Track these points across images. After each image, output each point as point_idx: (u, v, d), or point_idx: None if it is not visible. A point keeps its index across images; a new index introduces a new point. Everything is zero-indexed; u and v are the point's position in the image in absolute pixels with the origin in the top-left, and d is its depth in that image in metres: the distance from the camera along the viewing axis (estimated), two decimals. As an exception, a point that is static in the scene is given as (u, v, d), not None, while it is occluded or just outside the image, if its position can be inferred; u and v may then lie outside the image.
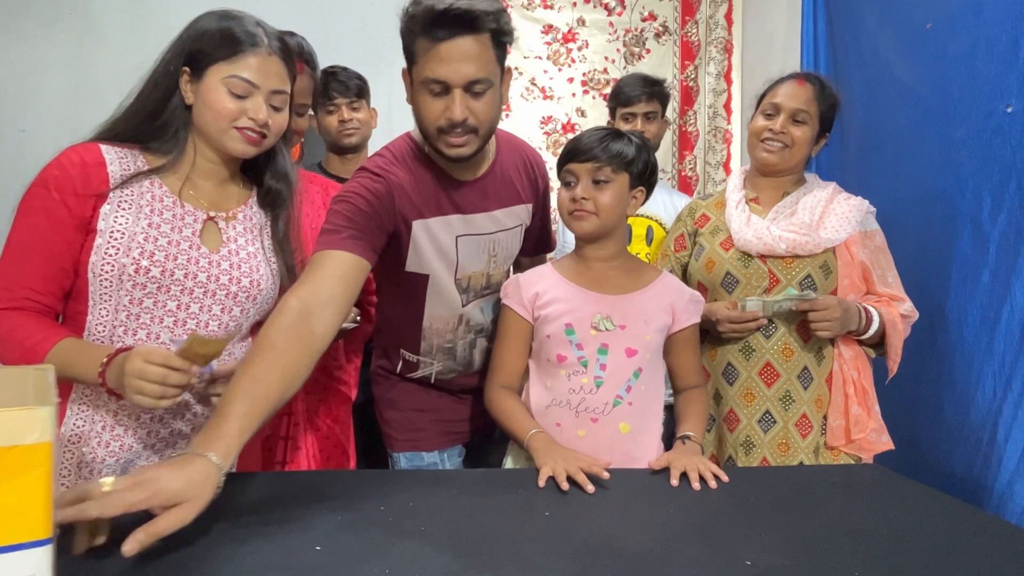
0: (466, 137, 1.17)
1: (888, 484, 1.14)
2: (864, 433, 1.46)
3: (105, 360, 0.97)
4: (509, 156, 1.38)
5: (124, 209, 1.04)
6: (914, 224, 1.70)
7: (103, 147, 1.06)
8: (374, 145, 2.11)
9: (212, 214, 1.12)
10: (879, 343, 1.50)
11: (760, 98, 1.59)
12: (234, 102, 1.07)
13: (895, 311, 1.47)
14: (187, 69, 1.08)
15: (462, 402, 1.48)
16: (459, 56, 1.10)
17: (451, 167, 1.27)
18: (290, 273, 1.20)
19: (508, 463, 1.38)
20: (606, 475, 1.08)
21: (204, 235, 1.11)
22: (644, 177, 1.32)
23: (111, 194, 1.03)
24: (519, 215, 1.39)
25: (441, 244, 1.28)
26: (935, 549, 0.86)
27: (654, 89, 1.98)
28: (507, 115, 3.17)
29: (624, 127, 1.95)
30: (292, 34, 1.44)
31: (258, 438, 1.37)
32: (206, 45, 1.07)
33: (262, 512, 0.93)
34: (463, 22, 1.09)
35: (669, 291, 1.35)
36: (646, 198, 1.35)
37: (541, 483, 1.07)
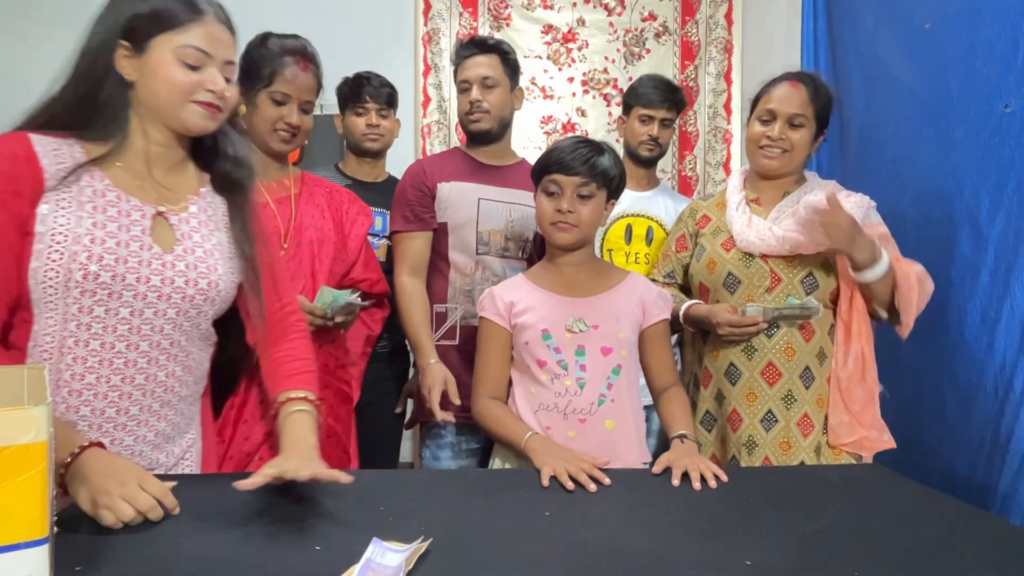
0: (482, 115, 1.71)
1: (888, 484, 1.14)
2: (865, 432, 1.45)
3: (74, 453, 0.88)
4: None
5: (64, 208, 0.94)
6: (913, 224, 1.70)
7: (33, 138, 0.96)
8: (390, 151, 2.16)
9: (162, 209, 1.03)
10: (891, 309, 1.43)
11: (754, 102, 1.57)
12: (188, 74, 0.98)
13: (910, 268, 1.41)
14: (125, 43, 0.97)
15: None
16: (475, 64, 1.71)
17: (482, 154, 1.77)
18: (250, 265, 1.10)
19: (496, 465, 1.39)
20: (607, 481, 1.08)
21: (155, 233, 1.01)
22: (618, 190, 1.40)
23: (48, 193, 0.94)
24: (532, 200, 1.67)
25: (462, 201, 1.70)
26: (936, 549, 0.86)
27: (676, 96, 1.97)
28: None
29: (638, 128, 1.96)
30: (296, 37, 1.46)
31: (260, 439, 1.36)
32: (147, 16, 0.97)
33: (262, 512, 0.93)
34: (478, 44, 1.73)
35: (638, 288, 1.39)
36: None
37: (545, 483, 1.08)
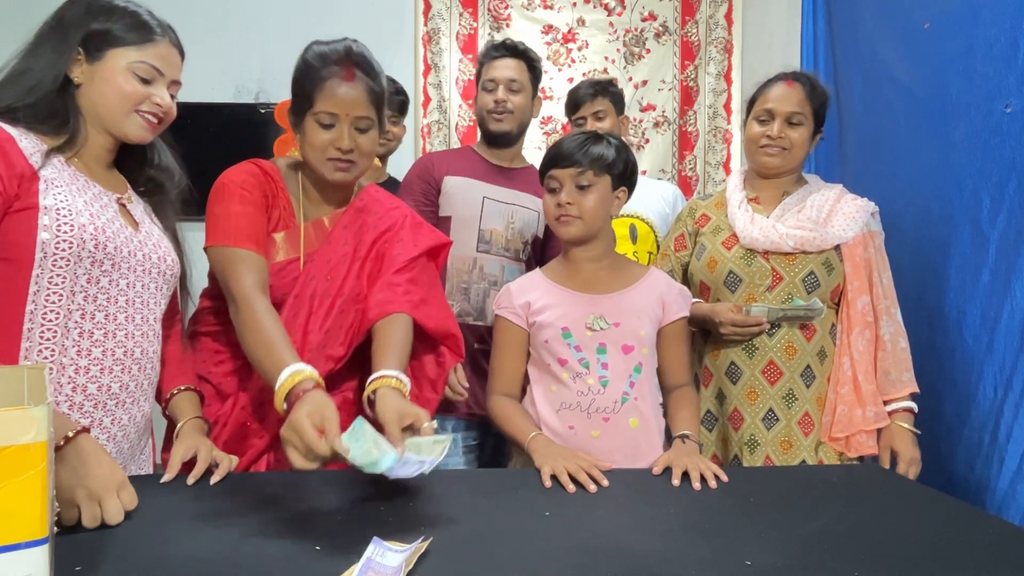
0: (505, 115, 1.76)
1: (888, 484, 1.14)
2: (852, 431, 1.46)
3: (67, 437, 0.87)
4: None
5: (58, 186, 0.99)
6: (913, 224, 1.70)
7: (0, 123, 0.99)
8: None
9: (118, 196, 1.10)
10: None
11: (750, 103, 1.59)
12: (137, 86, 1.05)
13: (897, 389, 1.47)
14: (81, 50, 1.04)
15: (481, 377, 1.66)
16: (503, 66, 1.77)
17: (492, 155, 1.81)
18: (184, 260, 1.20)
19: (517, 467, 1.38)
20: (606, 483, 1.08)
21: (121, 217, 1.09)
22: (625, 177, 1.37)
23: (41, 171, 0.98)
24: (538, 204, 1.75)
25: (467, 197, 1.74)
26: (935, 549, 0.86)
27: (596, 88, 1.97)
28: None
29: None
30: (342, 39, 1.24)
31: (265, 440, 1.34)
32: (106, 31, 1.04)
33: (262, 512, 0.93)
34: (507, 48, 1.79)
35: (658, 285, 1.38)
36: (628, 196, 1.40)
37: (546, 483, 1.08)
